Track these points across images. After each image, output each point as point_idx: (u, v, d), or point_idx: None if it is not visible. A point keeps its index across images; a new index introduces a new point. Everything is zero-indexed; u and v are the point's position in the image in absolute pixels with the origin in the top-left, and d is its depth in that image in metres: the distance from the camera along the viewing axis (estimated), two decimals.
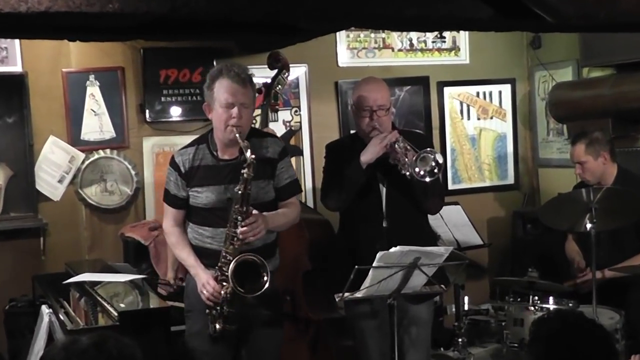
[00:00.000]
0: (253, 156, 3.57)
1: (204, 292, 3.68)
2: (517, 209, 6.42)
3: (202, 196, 3.77)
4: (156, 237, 5.07)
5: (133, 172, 5.45)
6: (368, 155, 4.08)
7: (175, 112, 5.55)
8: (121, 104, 5.45)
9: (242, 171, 3.56)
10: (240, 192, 3.57)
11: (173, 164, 3.83)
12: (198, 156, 3.80)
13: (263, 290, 3.55)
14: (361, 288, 3.69)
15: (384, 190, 4.18)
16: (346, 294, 3.69)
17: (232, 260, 3.59)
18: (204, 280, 3.69)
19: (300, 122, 5.91)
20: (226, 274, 3.61)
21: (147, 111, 5.48)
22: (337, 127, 5.98)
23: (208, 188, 3.76)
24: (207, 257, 3.76)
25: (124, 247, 5.27)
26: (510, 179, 6.57)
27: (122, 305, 3.93)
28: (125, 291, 4.25)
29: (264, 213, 3.65)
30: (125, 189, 5.45)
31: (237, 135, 3.62)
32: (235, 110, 3.65)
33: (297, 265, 4.78)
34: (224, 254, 3.63)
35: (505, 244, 6.40)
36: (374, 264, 3.62)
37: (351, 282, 3.60)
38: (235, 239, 3.59)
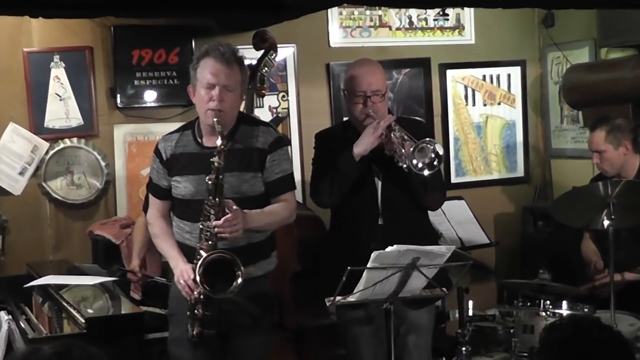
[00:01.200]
0: (224, 143, 3.59)
1: (181, 280, 3.70)
2: (527, 204, 6.43)
3: (181, 186, 3.81)
4: (128, 235, 5.07)
5: (103, 164, 5.44)
6: (361, 147, 4.08)
7: (150, 97, 5.54)
8: (89, 87, 5.43)
9: (212, 159, 3.58)
10: (210, 182, 3.59)
11: (156, 150, 3.90)
12: (181, 142, 3.85)
13: (233, 291, 3.55)
14: (354, 291, 3.70)
15: (379, 185, 4.18)
16: (338, 298, 3.70)
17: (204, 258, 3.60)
18: (182, 268, 3.71)
19: (287, 109, 5.90)
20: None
21: (118, 96, 5.47)
22: (328, 114, 5.98)
23: (187, 177, 3.79)
24: (186, 254, 3.77)
25: (92, 247, 5.26)
26: (520, 171, 6.58)
27: (90, 310, 3.92)
28: (94, 295, 4.25)
29: (246, 210, 3.65)
30: (94, 182, 5.44)
31: (215, 120, 3.62)
32: (215, 92, 3.67)
33: (284, 266, 4.77)
34: (198, 249, 3.65)
35: (514, 243, 6.42)
36: (368, 265, 3.63)
37: (343, 285, 3.60)
38: (209, 234, 3.60)
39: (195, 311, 3.68)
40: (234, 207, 3.60)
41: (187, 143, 3.83)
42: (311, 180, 4.33)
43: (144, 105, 5.55)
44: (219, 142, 3.59)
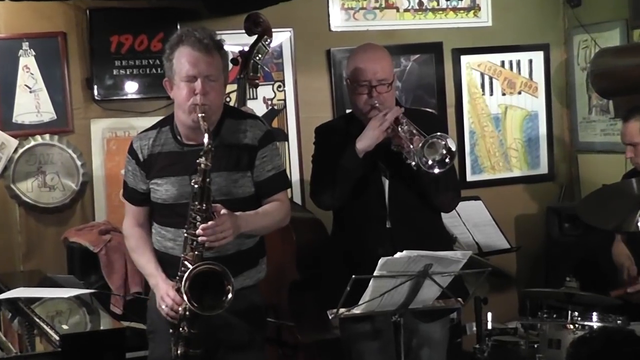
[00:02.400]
0: (211, 142, 3.57)
1: (163, 305, 3.69)
2: (551, 204, 6.43)
3: (161, 189, 3.79)
4: (108, 242, 5.07)
5: (79, 163, 5.44)
6: (365, 142, 4.08)
7: (131, 88, 5.53)
8: (63, 78, 5.42)
9: (198, 160, 3.57)
10: (196, 186, 3.57)
11: (131, 150, 3.87)
12: (159, 141, 3.83)
13: (223, 308, 3.54)
14: (360, 302, 3.69)
15: (386, 184, 4.18)
16: (341, 310, 3.69)
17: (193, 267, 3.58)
18: (163, 292, 3.70)
19: (284, 100, 5.90)
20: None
21: (95, 87, 5.46)
22: (329, 106, 5.98)
23: (168, 179, 3.78)
24: (169, 264, 3.76)
25: (68, 255, 5.25)
26: (543, 168, 6.59)
27: (65, 326, 3.91)
28: (69, 309, 4.24)
29: (239, 213, 3.64)
30: (69, 184, 5.44)
31: (201, 116, 3.61)
32: (198, 85, 3.65)
33: (282, 275, 4.78)
34: (183, 260, 3.63)
35: (538, 248, 6.42)
36: (375, 273, 3.62)
37: (348, 296, 3.59)
38: (195, 243, 3.58)
39: (180, 329, 3.66)
40: (223, 211, 3.59)
41: (165, 141, 3.82)
42: (311, 180, 4.32)
43: (124, 97, 5.55)
44: (205, 140, 3.56)
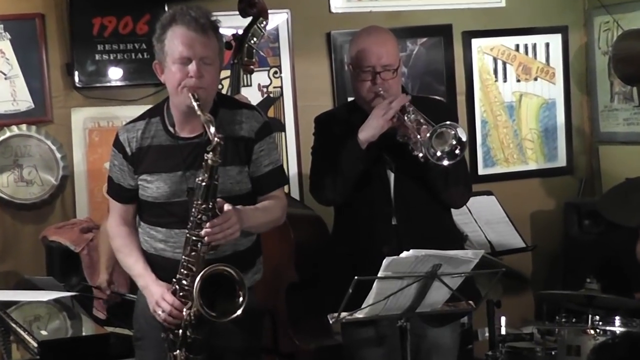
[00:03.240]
0: (219, 135, 3.53)
1: (159, 311, 3.67)
2: (570, 199, 6.44)
3: (152, 186, 3.77)
4: (90, 241, 5.07)
5: (58, 155, 5.44)
6: (369, 132, 4.08)
7: (115, 74, 5.53)
8: (41, 63, 5.43)
9: (206, 157, 3.54)
10: (203, 184, 3.55)
11: (117, 143, 3.84)
12: (149, 133, 3.80)
13: (239, 313, 3.54)
14: (363, 306, 3.69)
15: (392, 177, 4.18)
16: (343, 314, 3.69)
17: (196, 272, 3.57)
18: (158, 296, 3.68)
19: (280, 87, 5.90)
20: (187, 288, 3.60)
21: (76, 73, 5.46)
22: (329, 94, 5.99)
23: (160, 176, 3.76)
24: (159, 267, 3.76)
25: (46, 255, 5.26)
26: (561, 161, 6.59)
27: (44, 332, 3.91)
28: (49, 314, 4.25)
29: (239, 207, 3.64)
30: (47, 178, 5.44)
31: (195, 102, 3.60)
32: (192, 67, 3.63)
33: (279, 276, 4.78)
34: (184, 262, 3.62)
35: (555, 247, 6.43)
36: (379, 274, 3.62)
37: (350, 298, 3.59)
38: (200, 243, 3.58)
39: (180, 333, 3.66)
40: (226, 206, 3.58)
41: (156, 133, 3.79)
42: (311, 173, 4.32)
43: (108, 84, 5.55)
44: (212, 131, 3.52)
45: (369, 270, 3.64)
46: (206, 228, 3.54)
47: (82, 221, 5.30)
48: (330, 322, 3.76)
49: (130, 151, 3.79)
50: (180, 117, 3.75)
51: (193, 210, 3.57)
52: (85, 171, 5.51)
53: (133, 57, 5.54)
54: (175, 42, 3.65)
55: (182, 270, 3.62)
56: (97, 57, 5.50)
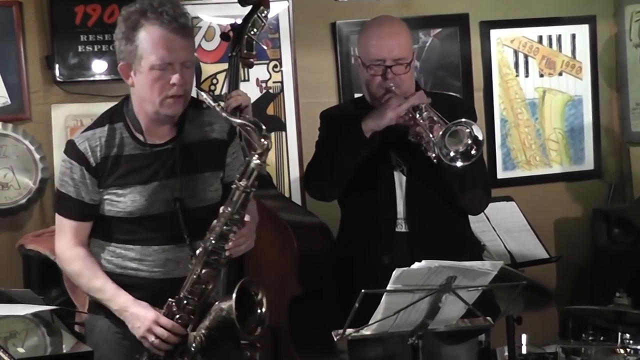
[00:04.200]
0: (267, 140, 3.54)
1: (151, 338, 3.67)
2: (598, 205, 6.44)
3: (124, 200, 3.74)
4: None
5: (37, 156, 5.44)
6: (376, 121, 4.09)
7: (99, 67, 5.53)
8: (18, 56, 5.43)
9: (248, 159, 3.56)
10: (243, 191, 3.56)
11: (75, 153, 3.77)
12: (113, 141, 3.76)
13: (264, 326, 3.61)
14: (371, 322, 3.69)
15: (403, 180, 4.20)
16: (349, 331, 3.69)
17: (209, 290, 3.63)
18: (150, 321, 3.66)
19: (281, 83, 5.90)
20: (190, 308, 3.64)
21: (57, 66, 5.47)
22: (334, 90, 5.99)
23: (134, 189, 3.73)
24: (132, 288, 3.75)
25: (24, 266, 5.26)
26: (589, 163, 6.59)
27: (21, 349, 3.91)
28: (26, 330, 4.24)
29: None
30: (25, 181, 5.44)
31: (173, 111, 3.65)
32: (176, 75, 3.62)
33: (282, 289, 4.78)
34: (195, 279, 3.63)
35: (582, 257, 6.43)
36: (388, 287, 3.62)
37: (356, 314, 3.60)
38: (222, 255, 3.61)
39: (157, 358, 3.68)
40: (247, 217, 3.62)
41: (122, 141, 3.75)
42: (308, 165, 4.35)
43: (92, 78, 5.55)
44: (262, 130, 3.53)
45: (376, 282, 3.64)
46: (233, 240, 3.57)
47: None
48: (335, 339, 3.76)
49: (94, 162, 3.73)
50: (149, 124, 3.74)
51: (221, 221, 3.58)
52: None
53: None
54: (151, 44, 3.61)
55: (190, 288, 3.64)
56: (80, 48, 5.50)
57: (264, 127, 3.53)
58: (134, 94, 3.74)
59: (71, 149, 3.76)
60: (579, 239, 6.45)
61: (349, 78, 5.89)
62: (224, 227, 3.57)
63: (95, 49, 5.52)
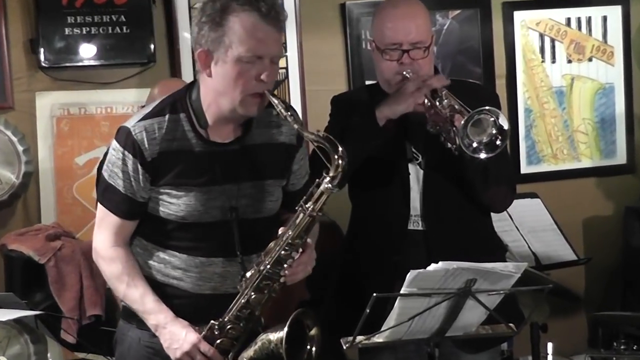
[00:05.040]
0: (344, 158, 3.53)
1: None
2: (631, 203, 6.44)
3: (178, 202, 3.67)
4: (58, 250, 5.07)
5: (20, 148, 5.44)
6: (392, 107, 4.10)
7: (87, 52, 5.53)
8: (0, 39, 5.44)
9: (322, 183, 3.53)
10: (309, 215, 3.55)
11: (130, 143, 3.64)
12: (173, 134, 3.66)
13: None
14: (383, 328, 3.69)
15: (420, 175, 4.20)
16: (360, 338, 3.68)
17: (255, 316, 3.63)
18: (190, 345, 3.62)
19: (286, 68, 5.91)
20: (233, 334, 3.62)
21: (42, 51, 5.47)
22: (343, 76, 6.00)
23: (190, 190, 3.66)
24: (170, 300, 3.70)
25: (5, 267, 5.27)
26: (621, 157, 6.60)
27: (2, 358, 3.92)
28: (8, 337, 4.26)
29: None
30: (7, 175, 5.45)
31: (253, 109, 3.59)
32: (266, 71, 3.54)
33: (288, 293, 4.76)
34: (244, 302, 3.62)
35: (613, 260, 6.44)
36: (402, 290, 3.62)
37: (368, 319, 3.59)
38: (277, 282, 3.60)
39: None
40: (309, 240, 3.62)
41: (183, 135, 3.66)
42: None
43: (80, 63, 5.56)
44: (337, 151, 3.51)
45: (389, 285, 3.64)
46: (292, 266, 3.57)
47: (48, 227, 5.31)
48: (345, 347, 3.75)
49: (150, 156, 3.63)
50: (219, 121, 3.66)
51: (282, 243, 3.57)
52: (52, 167, 5.52)
53: (110, 31, 5.53)
54: (244, 33, 3.52)
55: (236, 312, 3.61)
56: (67, 31, 5.50)
57: (340, 148, 3.50)
58: (208, 85, 3.63)
59: (125, 137, 3.63)
60: (609, 239, 6.45)
61: (360, 64, 5.89)
62: (282, 252, 3.55)
63: (84, 32, 5.52)
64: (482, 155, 3.93)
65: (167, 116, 3.64)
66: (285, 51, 5.86)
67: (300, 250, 3.58)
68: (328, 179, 3.50)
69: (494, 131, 3.92)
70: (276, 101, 3.55)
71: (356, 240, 4.32)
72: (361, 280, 3.73)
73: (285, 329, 3.54)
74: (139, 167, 3.62)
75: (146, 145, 3.61)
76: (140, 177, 3.63)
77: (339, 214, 4.76)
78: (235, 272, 3.67)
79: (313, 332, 3.62)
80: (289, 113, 3.54)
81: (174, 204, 3.66)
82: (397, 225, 4.17)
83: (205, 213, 3.66)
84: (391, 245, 4.14)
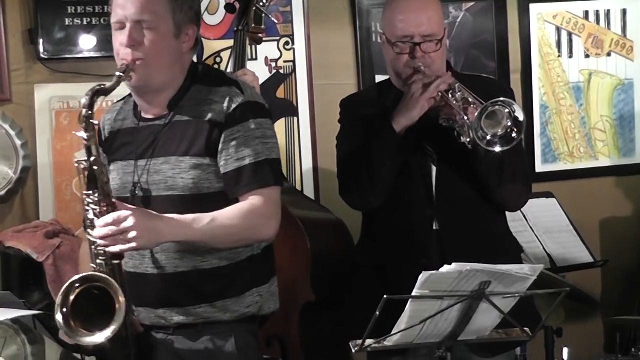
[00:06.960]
0: (85, 102, 3.61)
1: None
2: None
3: (112, 178, 3.83)
4: (57, 248, 5.07)
5: (18, 142, 5.45)
6: (407, 115, 4.11)
7: (87, 43, 5.55)
8: None
9: (79, 134, 3.60)
10: (84, 167, 3.58)
11: (98, 128, 3.86)
12: (122, 114, 3.93)
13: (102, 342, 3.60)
14: (394, 331, 3.70)
15: (433, 171, 4.20)
16: (369, 342, 3.70)
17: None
18: None
19: (293, 62, 5.91)
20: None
21: (41, 42, 5.48)
22: (353, 70, 5.99)
23: (117, 165, 3.84)
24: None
25: (2, 265, 5.27)
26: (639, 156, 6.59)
27: None
28: (4, 337, 4.26)
29: (167, 215, 3.61)
30: (5, 170, 5.45)
31: (121, 74, 3.66)
32: (123, 34, 3.70)
33: (292, 294, 4.79)
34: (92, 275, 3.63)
35: (632, 262, 6.44)
36: (414, 292, 3.62)
37: (378, 322, 3.60)
38: (102, 252, 3.59)
39: None
40: (125, 207, 3.58)
41: (127, 115, 3.91)
42: (339, 171, 4.35)
43: (79, 55, 5.57)
44: (84, 101, 3.60)
45: (402, 287, 3.65)
46: (98, 229, 3.54)
47: (46, 224, 5.31)
48: (354, 350, 3.76)
49: (104, 136, 3.92)
50: (135, 96, 3.84)
51: (85, 203, 3.61)
52: (51, 162, 5.52)
53: (110, 22, 5.54)
54: (113, 2, 3.74)
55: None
56: (67, 21, 5.52)
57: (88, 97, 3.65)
58: None
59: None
60: (628, 241, 6.46)
61: (370, 57, 5.88)
62: (85, 209, 3.62)
63: (84, 22, 5.53)
64: (497, 149, 3.93)
65: (127, 98, 3.92)
66: (293, 43, 5.87)
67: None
68: (83, 131, 3.57)
69: (509, 123, 3.92)
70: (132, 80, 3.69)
71: (375, 245, 4.31)
72: (388, 283, 3.71)
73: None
74: (100, 148, 3.75)
75: (102, 127, 3.93)
76: (102, 156, 3.76)
77: (346, 214, 4.77)
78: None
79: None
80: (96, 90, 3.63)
81: (112, 180, 3.81)
82: (420, 226, 4.18)
83: (122, 188, 3.80)
84: (418, 247, 4.14)
